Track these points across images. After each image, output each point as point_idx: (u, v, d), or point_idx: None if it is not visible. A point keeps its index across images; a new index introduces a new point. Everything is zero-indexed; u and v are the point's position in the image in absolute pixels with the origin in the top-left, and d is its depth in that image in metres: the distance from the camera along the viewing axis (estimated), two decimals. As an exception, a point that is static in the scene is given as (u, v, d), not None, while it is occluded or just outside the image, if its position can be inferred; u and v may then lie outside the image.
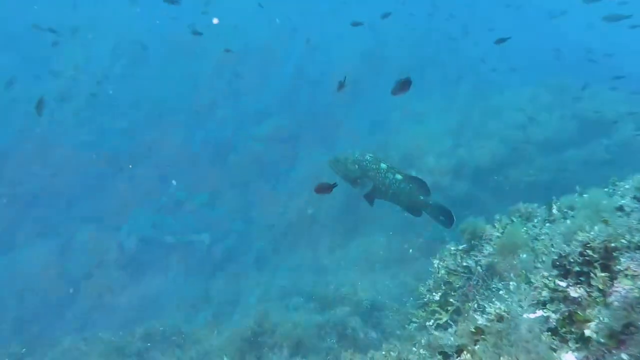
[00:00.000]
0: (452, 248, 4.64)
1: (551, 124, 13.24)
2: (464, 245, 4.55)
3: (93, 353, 10.48)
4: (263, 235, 21.14)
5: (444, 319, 4.25)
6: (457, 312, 4.22)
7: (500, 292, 3.72)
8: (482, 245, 4.24)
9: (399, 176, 4.54)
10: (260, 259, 20.24)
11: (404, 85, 4.18)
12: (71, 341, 11.35)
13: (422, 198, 4.54)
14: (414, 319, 5.00)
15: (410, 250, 13.74)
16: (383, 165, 4.62)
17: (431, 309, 4.38)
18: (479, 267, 4.10)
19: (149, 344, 10.19)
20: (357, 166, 4.70)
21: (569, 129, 12.61)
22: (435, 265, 4.73)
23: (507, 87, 18.54)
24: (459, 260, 4.44)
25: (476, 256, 4.22)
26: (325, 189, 4.79)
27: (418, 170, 15.91)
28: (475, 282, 4.06)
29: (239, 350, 7.98)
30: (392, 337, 4.72)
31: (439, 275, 4.51)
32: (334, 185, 4.68)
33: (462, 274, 4.30)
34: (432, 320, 4.26)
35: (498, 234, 4.28)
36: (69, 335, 12.11)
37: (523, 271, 3.70)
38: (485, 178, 13.60)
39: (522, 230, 4.12)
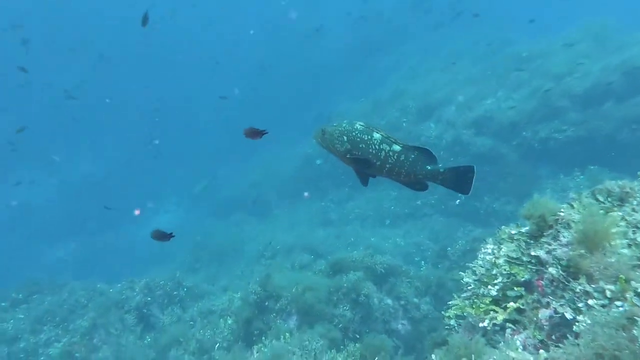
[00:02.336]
0: (513, 231, 3.73)
1: (591, 74, 11.87)
2: (528, 228, 3.64)
3: (91, 305, 10.04)
4: (268, 184, 20.41)
5: (501, 318, 3.45)
6: (519, 311, 3.40)
7: (591, 300, 2.87)
8: (559, 231, 3.32)
9: (396, 147, 3.50)
10: (264, 209, 19.65)
11: (255, 133, 4.12)
12: (69, 291, 10.92)
13: (429, 168, 3.50)
14: (454, 307, 4.23)
15: (458, 201, 12.80)
16: (376, 135, 3.54)
17: (484, 306, 3.55)
18: (553, 261, 3.20)
19: (149, 299, 9.69)
20: (345, 138, 3.62)
21: (612, 80, 11.27)
22: (489, 251, 3.85)
23: (539, 31, 16.79)
24: (524, 247, 3.54)
25: (549, 244, 3.32)
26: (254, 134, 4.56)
27: (437, 122, 14.77)
28: (549, 280, 3.18)
29: (244, 315, 7.38)
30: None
31: (497, 264, 3.63)
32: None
33: (528, 266, 3.43)
34: (488, 321, 3.45)
35: (578, 217, 3.34)
36: (68, 283, 11.72)
37: (621, 275, 2.81)
38: (512, 133, 12.48)
39: (616, 215, 3.18)
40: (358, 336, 7.33)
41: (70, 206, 26.41)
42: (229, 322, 7.77)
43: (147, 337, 8.69)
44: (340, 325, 7.31)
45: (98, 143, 31.21)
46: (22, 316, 10.10)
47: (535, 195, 3.73)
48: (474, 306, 3.73)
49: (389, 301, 7.89)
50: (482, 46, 19.30)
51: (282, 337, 6.24)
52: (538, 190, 12.06)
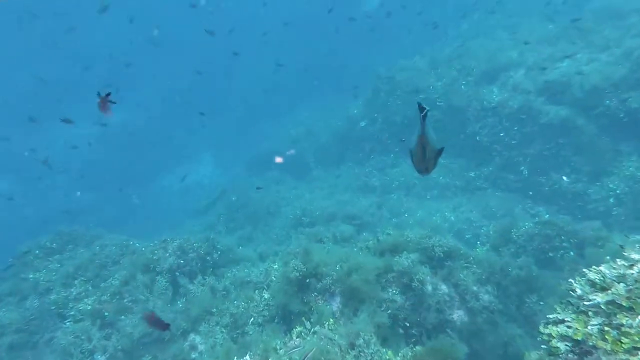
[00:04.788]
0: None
1: None
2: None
3: (123, 263, 9.69)
4: (308, 144, 19.46)
5: (656, 364, 2.43)
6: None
7: None
8: None
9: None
10: (303, 169, 18.83)
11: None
12: (101, 245, 10.64)
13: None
14: (560, 326, 3.23)
15: (564, 178, 11.04)
16: None
17: (628, 342, 2.52)
18: None
19: (181, 261, 9.18)
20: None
21: None
22: (633, 264, 2.78)
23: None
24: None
25: None
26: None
27: (501, 86, 13.13)
28: None
29: (282, 291, 6.66)
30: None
31: (654, 285, 2.57)
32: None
33: None
34: (636, 365, 2.44)
35: None
36: (101, 235, 11.50)
37: None
38: (594, 102, 10.82)
39: None
40: (408, 324, 6.52)
41: (108, 155, 26.61)
42: (265, 296, 7.08)
43: (179, 302, 8.21)
44: (389, 311, 6.48)
45: (138, 93, 31.03)
46: (54, 267, 9.91)
47: None
48: (608, 337, 2.72)
49: (445, 288, 6.96)
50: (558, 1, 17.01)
51: (326, 323, 5.46)
52: (618, 168, 10.55)
